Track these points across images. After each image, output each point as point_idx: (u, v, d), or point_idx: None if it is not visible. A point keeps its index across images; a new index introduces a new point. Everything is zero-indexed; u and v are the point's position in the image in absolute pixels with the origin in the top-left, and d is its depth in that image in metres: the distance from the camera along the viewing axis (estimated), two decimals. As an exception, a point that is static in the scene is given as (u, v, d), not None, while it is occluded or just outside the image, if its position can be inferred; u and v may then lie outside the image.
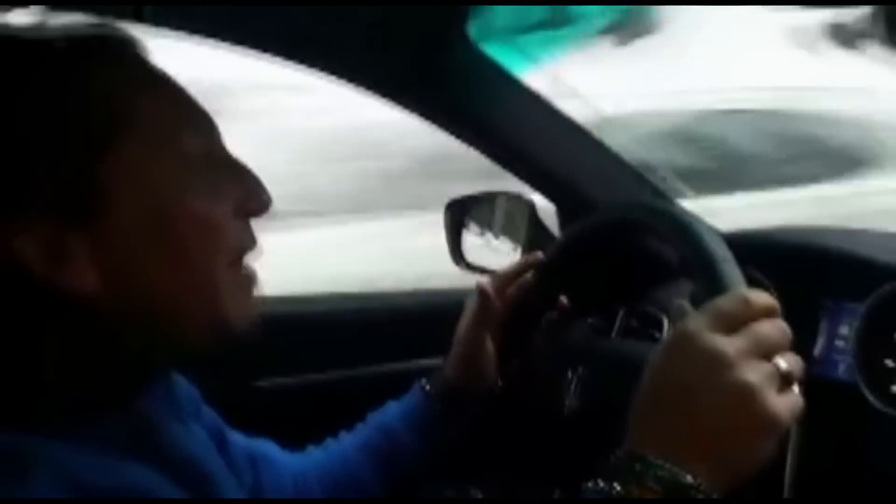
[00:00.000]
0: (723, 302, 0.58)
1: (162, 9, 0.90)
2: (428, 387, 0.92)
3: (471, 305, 0.93)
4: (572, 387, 0.85)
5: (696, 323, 0.57)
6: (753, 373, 0.54)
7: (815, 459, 0.72)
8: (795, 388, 0.56)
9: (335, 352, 1.27)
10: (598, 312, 1.09)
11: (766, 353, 0.55)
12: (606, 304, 1.09)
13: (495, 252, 1.25)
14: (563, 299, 0.97)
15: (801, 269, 0.90)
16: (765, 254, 0.88)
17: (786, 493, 0.68)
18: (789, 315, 0.87)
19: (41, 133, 0.53)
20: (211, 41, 0.97)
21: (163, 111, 0.58)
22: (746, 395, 0.54)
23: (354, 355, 1.27)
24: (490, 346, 0.92)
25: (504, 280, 0.94)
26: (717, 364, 0.54)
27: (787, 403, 0.55)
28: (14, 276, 0.51)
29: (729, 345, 0.55)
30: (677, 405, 0.55)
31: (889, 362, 0.78)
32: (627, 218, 0.84)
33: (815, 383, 0.82)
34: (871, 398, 0.77)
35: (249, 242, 0.62)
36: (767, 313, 0.57)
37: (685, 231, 0.69)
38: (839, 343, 0.84)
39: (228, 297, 0.60)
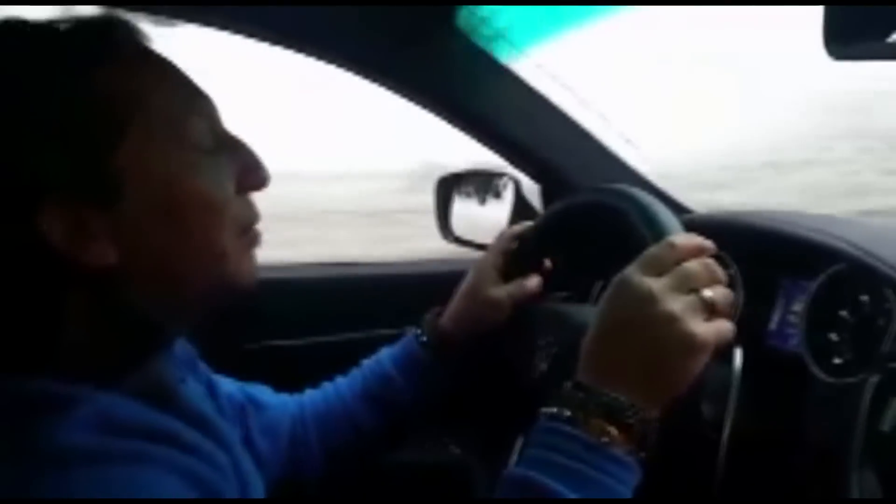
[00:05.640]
0: (652, 249, 0.67)
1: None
2: (420, 337, 0.97)
3: (482, 264, 0.98)
4: (543, 352, 0.91)
5: (629, 269, 0.66)
6: (676, 303, 0.63)
7: (756, 423, 0.78)
8: (723, 317, 0.65)
9: (321, 317, 1.33)
10: (575, 286, 1.16)
11: (690, 287, 0.64)
12: (583, 278, 1.16)
13: (481, 226, 1.31)
14: (548, 263, 1.02)
15: (762, 250, 0.96)
16: (729, 235, 0.94)
17: (721, 452, 0.75)
18: (750, 291, 0.95)
19: (57, 120, 0.57)
20: (204, 28, 1.02)
21: (170, 98, 0.63)
22: (669, 323, 0.62)
23: (339, 321, 1.34)
24: (491, 303, 0.96)
25: (503, 244, 1.00)
26: (645, 300, 0.63)
27: (711, 328, 0.64)
28: (39, 252, 0.57)
29: (654, 283, 0.64)
30: (613, 340, 0.65)
31: (833, 336, 0.85)
32: (599, 200, 0.90)
33: (768, 354, 0.90)
34: (813, 368, 0.84)
35: (252, 216, 0.68)
36: (694, 253, 0.66)
37: (639, 207, 0.77)
38: (792, 318, 0.91)
39: (233, 264, 0.65)
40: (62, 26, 0.61)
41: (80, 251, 0.57)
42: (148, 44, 0.65)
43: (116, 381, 0.60)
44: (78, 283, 0.59)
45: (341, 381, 0.98)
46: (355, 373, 0.99)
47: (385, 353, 0.99)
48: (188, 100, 0.65)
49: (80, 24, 0.62)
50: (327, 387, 0.98)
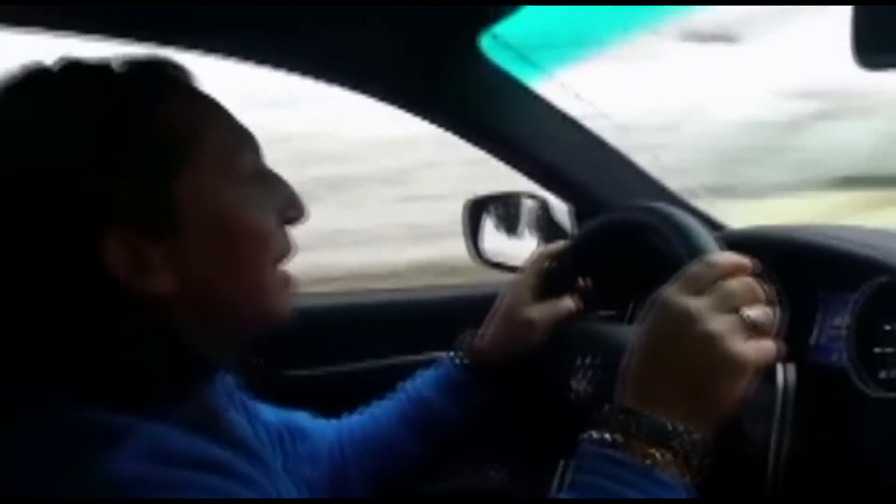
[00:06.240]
0: (692, 268, 0.66)
1: (182, 29, 0.97)
2: (458, 359, 0.97)
3: (517, 285, 0.98)
4: (581, 372, 0.90)
5: (669, 289, 0.65)
6: (717, 323, 0.62)
7: (803, 440, 0.77)
8: (765, 336, 0.64)
9: (359, 344, 1.33)
10: (610, 306, 1.15)
11: (732, 306, 0.63)
12: (618, 298, 1.15)
13: (513, 249, 1.31)
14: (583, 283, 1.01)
15: (799, 264, 0.95)
16: (765, 250, 0.93)
17: (770, 471, 0.74)
18: (788, 306, 0.93)
19: (120, 155, 0.59)
20: (226, 59, 1.04)
21: (221, 134, 0.66)
22: (711, 343, 0.61)
23: (377, 348, 1.34)
24: (528, 324, 0.95)
25: (538, 264, 0.99)
26: (686, 320, 0.62)
27: (754, 348, 0.62)
28: (97, 280, 0.59)
29: (695, 303, 0.63)
30: (655, 361, 0.64)
31: (878, 350, 0.83)
32: (634, 219, 0.90)
33: (810, 370, 0.89)
34: (859, 383, 0.82)
35: (289, 248, 0.70)
36: (735, 272, 0.65)
37: (676, 225, 0.76)
38: (833, 332, 0.89)
39: (275, 294, 0.68)
40: (119, 66, 0.64)
41: (137, 280, 0.59)
42: (197, 83, 0.68)
43: (166, 410, 0.61)
44: (131, 312, 0.60)
45: (380, 405, 0.98)
46: (394, 398, 0.98)
47: (423, 376, 0.98)
48: (237, 136, 0.67)
49: (137, 64, 0.65)
50: (366, 412, 0.98)
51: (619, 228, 0.93)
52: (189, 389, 0.66)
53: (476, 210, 1.32)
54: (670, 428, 0.61)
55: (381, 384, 1.01)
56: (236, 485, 0.58)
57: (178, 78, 0.66)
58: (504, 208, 1.31)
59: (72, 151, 0.58)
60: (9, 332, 0.61)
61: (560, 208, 1.26)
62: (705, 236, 0.73)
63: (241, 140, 0.68)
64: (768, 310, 0.65)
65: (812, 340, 0.92)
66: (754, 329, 0.63)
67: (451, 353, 0.98)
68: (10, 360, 0.61)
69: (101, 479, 0.53)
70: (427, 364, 1.00)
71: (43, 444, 0.56)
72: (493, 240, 1.30)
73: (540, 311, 0.96)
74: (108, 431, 0.56)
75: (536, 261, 1.00)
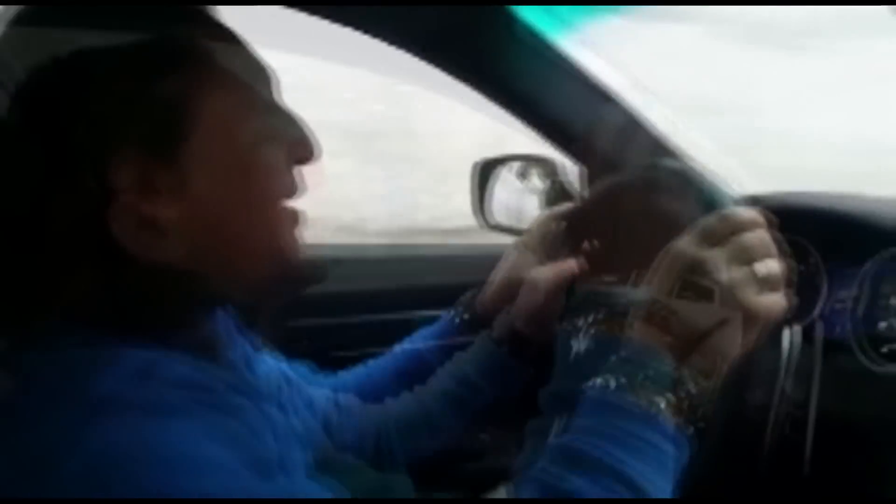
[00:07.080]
0: (706, 220, 0.66)
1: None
2: (458, 317, 0.97)
3: (522, 245, 0.98)
4: (582, 332, 0.90)
5: (683, 241, 0.65)
6: (730, 274, 0.62)
7: (802, 411, 0.76)
8: (778, 290, 0.64)
9: (360, 298, 1.33)
10: (616, 270, 1.14)
11: (746, 259, 0.63)
12: (625, 262, 1.14)
13: (521, 212, 1.30)
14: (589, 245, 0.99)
15: (809, 233, 0.94)
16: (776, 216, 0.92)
17: (767, 438, 0.73)
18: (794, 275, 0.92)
19: (131, 73, 0.59)
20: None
21: (236, 65, 0.64)
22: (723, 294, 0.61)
23: (378, 302, 1.34)
24: (531, 285, 0.95)
25: (545, 225, 0.99)
26: (698, 271, 0.62)
27: (766, 301, 0.63)
28: (104, 201, 0.58)
29: (709, 254, 0.63)
30: (664, 311, 0.64)
31: (883, 324, 0.82)
32: (644, 178, 0.88)
33: (814, 340, 0.88)
34: (861, 356, 0.81)
35: (299, 186, 0.69)
36: (749, 226, 0.65)
37: (690, 180, 0.75)
38: (838, 305, 0.89)
39: (281, 232, 0.67)
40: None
41: (143, 203, 0.59)
42: (215, 12, 0.66)
43: (161, 337, 0.61)
44: (134, 237, 0.60)
45: (377, 361, 0.98)
46: (390, 353, 0.98)
47: (422, 333, 0.98)
48: (253, 69, 0.67)
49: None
50: (363, 368, 0.98)
51: (628, 189, 0.92)
52: (187, 318, 0.66)
53: (484, 171, 1.30)
54: (675, 375, 0.62)
55: (381, 339, 1.01)
56: (224, 412, 0.58)
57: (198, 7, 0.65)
58: (513, 170, 1.30)
59: (79, 120, 0.58)
60: (8, 255, 0.61)
61: (574, 171, 1.25)
62: (720, 191, 0.73)
63: (257, 72, 0.67)
64: (782, 264, 0.65)
65: (816, 312, 0.91)
66: (767, 282, 0.63)
67: (452, 311, 0.98)
68: (6, 284, 0.61)
69: (92, 399, 0.53)
70: (428, 321, 1.00)
71: (33, 368, 0.56)
72: (502, 202, 1.29)
73: (544, 273, 0.95)
74: (101, 355, 0.56)
75: (543, 222, 0.99)
